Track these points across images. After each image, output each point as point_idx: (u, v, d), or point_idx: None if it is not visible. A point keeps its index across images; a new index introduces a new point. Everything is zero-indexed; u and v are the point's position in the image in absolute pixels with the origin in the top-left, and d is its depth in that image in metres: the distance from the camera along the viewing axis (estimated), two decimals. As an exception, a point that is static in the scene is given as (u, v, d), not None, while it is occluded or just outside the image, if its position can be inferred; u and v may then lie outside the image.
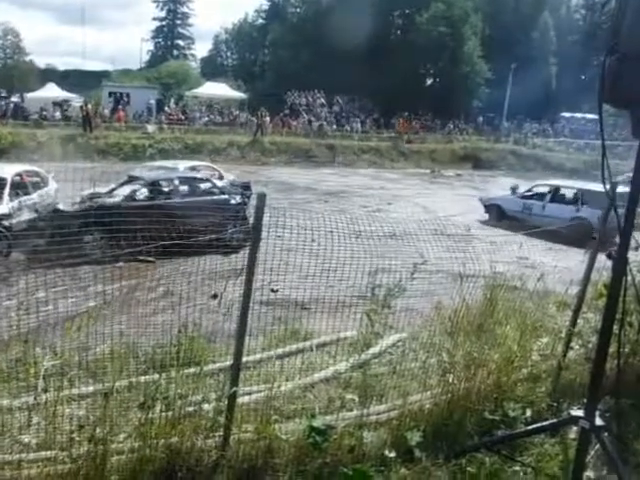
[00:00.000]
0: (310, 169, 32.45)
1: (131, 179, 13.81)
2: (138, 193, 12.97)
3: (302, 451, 4.04)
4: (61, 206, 11.85)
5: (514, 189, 20.62)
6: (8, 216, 11.75)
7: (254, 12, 75.38)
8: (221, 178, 18.27)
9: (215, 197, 13.54)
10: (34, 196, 13.43)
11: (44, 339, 4.21)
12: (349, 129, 43.97)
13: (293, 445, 4.06)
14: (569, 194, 18.11)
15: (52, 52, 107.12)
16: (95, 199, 12.43)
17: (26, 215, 11.86)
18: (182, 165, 18.80)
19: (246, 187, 16.15)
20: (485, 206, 19.60)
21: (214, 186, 14.34)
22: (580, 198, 17.04)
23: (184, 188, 13.85)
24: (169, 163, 19.79)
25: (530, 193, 18.91)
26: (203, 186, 14.15)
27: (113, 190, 13.36)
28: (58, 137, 28.92)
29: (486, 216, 19.13)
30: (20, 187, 13.32)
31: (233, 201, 13.51)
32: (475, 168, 38.76)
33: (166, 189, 13.58)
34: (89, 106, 35.45)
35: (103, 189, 13.25)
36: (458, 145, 42.76)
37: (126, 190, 13.10)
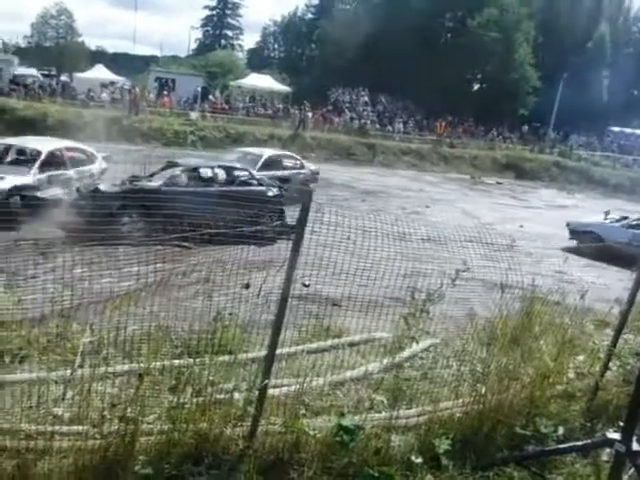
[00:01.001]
0: (349, 167, 32.32)
1: (170, 164, 13.85)
2: (178, 179, 13.03)
3: (329, 448, 4.04)
4: (102, 186, 11.92)
5: (607, 213, 17.97)
6: (33, 188, 11.89)
7: (304, 6, 75.65)
8: (302, 167, 20.28)
9: (252, 188, 13.52)
10: (70, 172, 13.52)
11: (83, 316, 4.27)
12: (391, 129, 43.70)
13: (320, 441, 4.06)
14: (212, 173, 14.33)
15: (103, 34, 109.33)
16: (135, 182, 12.67)
17: (57, 190, 12.09)
18: (268, 152, 19.91)
19: (285, 180, 16.17)
20: (573, 231, 17.02)
21: (252, 177, 14.31)
22: (210, 177, 13.90)
23: (223, 176, 13.85)
24: (255, 150, 20.81)
25: (637, 221, 16.32)
26: (242, 176, 14.14)
27: (153, 174, 13.51)
28: (103, 118, 29.30)
29: (570, 242, 16.60)
30: (57, 162, 13.41)
31: (270, 193, 13.50)
32: (517, 177, 38.17)
33: (205, 176, 13.60)
34: (137, 89, 35.93)
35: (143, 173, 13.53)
36: (500, 153, 42.15)
37: (166, 175, 13.18)
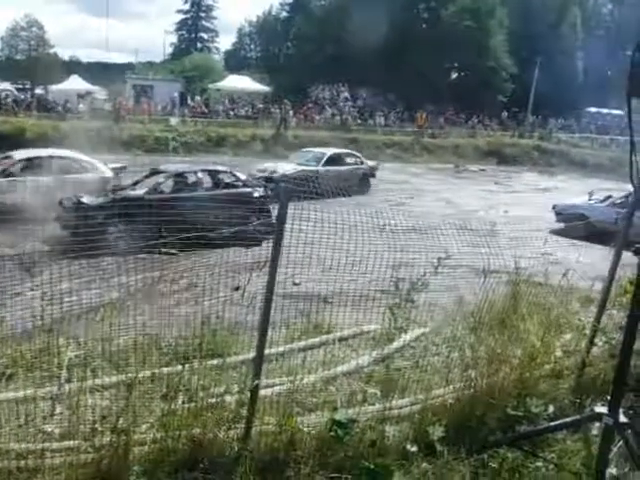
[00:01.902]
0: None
1: (153, 172, 13.88)
2: (162, 185, 13.03)
3: (324, 444, 4.05)
4: (84, 199, 11.88)
5: (591, 194, 18.00)
6: None
7: (278, 5, 75.56)
8: (362, 163, 23.46)
9: (238, 190, 13.53)
10: (47, 179, 13.22)
11: (68, 329, 4.26)
12: (372, 123, 43.79)
13: (315, 438, 4.07)
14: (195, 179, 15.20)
15: (76, 44, 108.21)
16: (118, 191, 12.72)
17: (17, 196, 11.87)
18: (330, 151, 23.29)
19: (269, 180, 16.28)
20: (560, 214, 17.09)
21: (238, 179, 14.36)
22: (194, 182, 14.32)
23: (208, 180, 13.93)
24: (320, 149, 24.07)
25: (621, 200, 16.08)
26: (226, 179, 14.18)
27: (137, 182, 13.56)
28: (82, 129, 29.18)
29: (557, 225, 16.46)
30: (34, 169, 13.57)
31: (256, 194, 13.46)
32: (499, 163, 38.35)
33: (190, 181, 13.65)
34: (120, 98, 35.83)
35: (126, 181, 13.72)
36: (482, 140, 42.32)
37: (150, 182, 13.19)
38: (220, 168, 15.17)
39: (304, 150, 24.25)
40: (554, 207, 17.49)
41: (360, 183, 22.24)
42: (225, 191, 13.10)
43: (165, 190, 12.97)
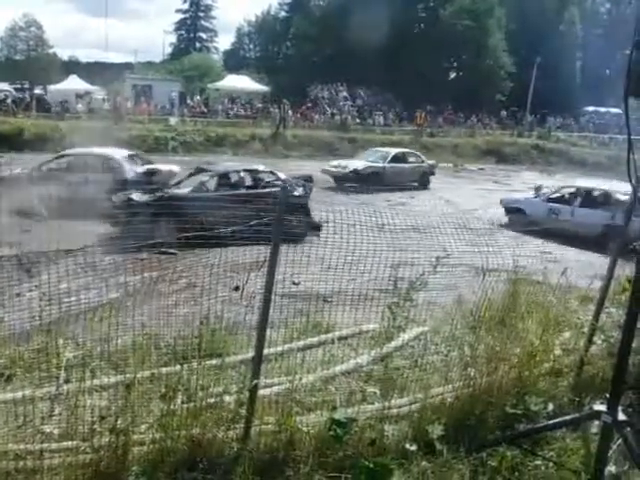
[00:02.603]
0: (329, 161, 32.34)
1: (198, 170, 14.37)
2: (206, 184, 13.49)
3: (323, 443, 4.05)
4: (134, 196, 12.33)
5: (538, 189, 18.69)
6: None
7: (277, 5, 75.32)
8: (423, 162, 25.95)
9: (278, 189, 13.70)
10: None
11: (66, 330, 4.26)
12: (371, 123, 43.78)
13: (314, 437, 4.07)
14: (602, 197, 15.98)
15: (75, 44, 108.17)
16: (165, 190, 13.12)
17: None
18: (394, 151, 25.85)
19: (308, 180, 16.61)
20: (506, 209, 17.59)
21: (278, 178, 14.66)
22: (610, 202, 15.05)
23: (249, 179, 14.46)
24: (385, 149, 26.81)
25: (557, 196, 17.02)
26: (267, 178, 14.61)
27: (180, 181, 14.10)
28: (81, 128, 29.15)
29: (506, 219, 17.08)
30: None
31: (296, 192, 13.71)
32: (498, 162, 38.38)
33: (233, 180, 14.20)
34: (119, 98, 35.79)
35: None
36: (481, 139, 42.34)
37: (194, 181, 13.66)
38: (261, 168, 15.50)
39: (372, 149, 26.94)
40: (501, 201, 18.17)
41: (421, 180, 25.29)
42: (266, 190, 13.28)
43: (209, 189, 13.40)
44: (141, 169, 15.41)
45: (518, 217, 16.54)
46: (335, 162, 25.06)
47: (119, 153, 16.12)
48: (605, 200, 15.62)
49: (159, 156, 24.35)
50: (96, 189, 12.62)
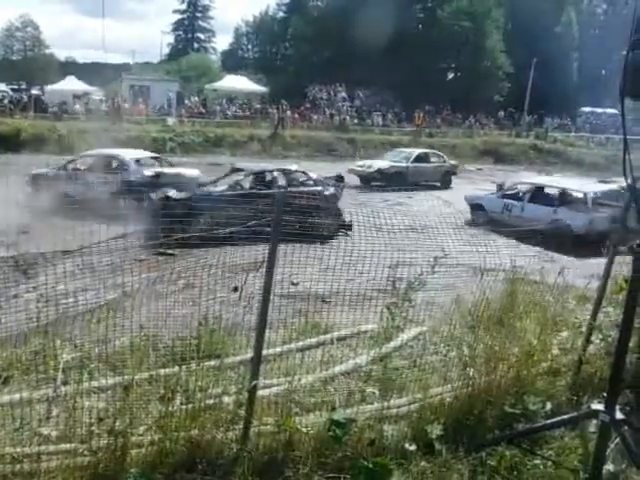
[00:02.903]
0: (331, 163, 32.34)
1: (234, 170, 15.08)
2: (241, 183, 14.15)
3: (322, 444, 4.05)
4: (170, 193, 12.82)
5: (501, 186, 18.89)
6: None
7: (275, 5, 75.35)
8: (445, 162, 27.15)
9: (310, 188, 14.26)
10: None
11: (64, 331, 4.25)
12: (370, 123, 43.82)
13: (313, 438, 4.07)
14: (552, 193, 16.57)
15: (72, 44, 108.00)
16: (201, 187, 13.99)
17: None
18: (417, 151, 27.13)
19: (340, 179, 16.96)
20: (470, 205, 17.80)
21: (309, 178, 15.26)
22: (559, 199, 15.87)
23: (282, 179, 14.89)
24: (408, 149, 28.00)
25: (512, 192, 17.48)
26: (299, 178, 15.23)
27: (217, 180, 14.70)
28: (78, 130, 29.10)
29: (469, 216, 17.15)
30: None
31: (326, 192, 14.31)
32: (496, 163, 38.44)
33: (267, 180, 14.78)
34: (119, 98, 35.78)
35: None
36: (479, 140, 42.44)
37: (230, 180, 14.36)
38: (294, 168, 16.07)
39: (397, 150, 28.15)
40: (465, 198, 18.45)
41: (443, 179, 26.43)
42: (298, 189, 13.59)
43: (243, 187, 13.98)
44: (148, 172, 15.50)
45: (478, 214, 16.96)
46: (361, 162, 26.45)
47: (130, 155, 16.50)
48: (553, 196, 16.16)
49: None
50: (105, 189, 12.88)
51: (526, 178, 20.05)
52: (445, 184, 26.07)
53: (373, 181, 24.37)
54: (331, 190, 14.77)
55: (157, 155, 18.12)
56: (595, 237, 12.08)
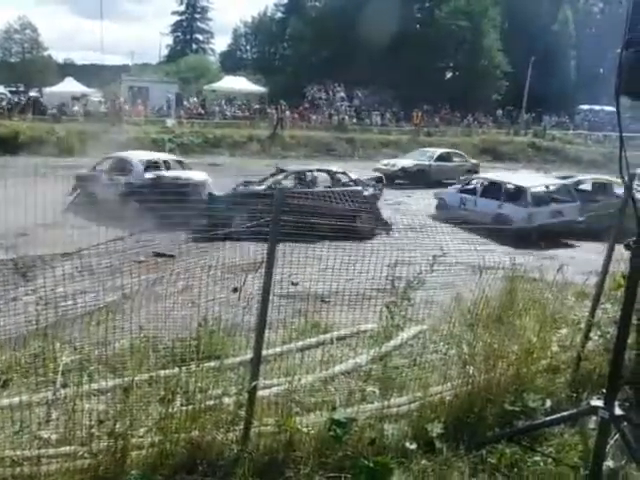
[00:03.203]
0: (330, 162, 32.30)
1: (279, 170, 15.78)
2: (283, 182, 14.60)
3: (323, 443, 4.04)
4: (215, 191, 13.48)
5: (465, 180, 19.95)
6: None
7: (273, 6, 75.23)
8: (466, 161, 27.92)
9: (350, 188, 14.78)
10: None
11: (63, 334, 4.25)
12: (369, 123, 43.85)
13: (314, 438, 4.06)
14: (500, 189, 17.00)
15: (70, 46, 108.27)
16: (247, 186, 14.60)
17: None
18: (439, 150, 28.16)
19: (379, 180, 17.28)
20: (437, 199, 18.71)
21: (350, 179, 15.72)
22: (505, 194, 16.54)
23: (323, 179, 15.56)
24: (431, 148, 29.00)
25: (469, 187, 18.33)
26: (340, 178, 15.72)
27: (264, 179, 15.32)
28: (77, 131, 29.10)
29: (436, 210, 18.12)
30: None
31: (366, 192, 14.85)
32: (495, 161, 38.44)
33: (308, 179, 15.47)
34: (121, 99, 35.77)
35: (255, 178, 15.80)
36: (477, 138, 42.49)
37: (273, 179, 15.04)
38: (334, 168, 16.56)
39: (420, 149, 29.09)
40: (435, 194, 19.42)
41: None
42: (338, 189, 14.00)
43: (287, 186, 14.34)
44: (150, 175, 15.57)
45: (442, 208, 17.84)
46: (385, 161, 27.39)
47: (139, 157, 16.64)
48: (500, 191, 16.71)
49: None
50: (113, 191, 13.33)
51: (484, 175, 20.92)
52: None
53: (397, 179, 24.79)
54: (370, 190, 15.20)
55: (177, 159, 18.21)
56: (537, 229, 13.78)
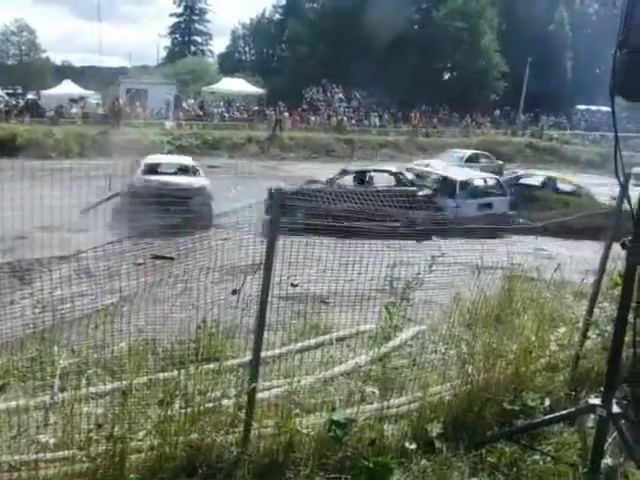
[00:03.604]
0: (329, 164, 32.30)
1: (343, 172, 16.67)
2: (346, 181, 15.68)
3: (323, 445, 4.03)
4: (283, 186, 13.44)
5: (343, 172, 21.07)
6: None
7: (272, 7, 75.34)
8: (493, 162, 29.21)
9: (405, 188, 15.43)
10: None
11: (61, 337, 4.24)
12: (367, 124, 43.91)
13: (314, 439, 4.05)
14: (434, 180, 18.35)
15: (68, 48, 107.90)
16: (310, 184, 15.38)
17: None
18: (469, 152, 29.58)
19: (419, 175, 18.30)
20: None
21: (405, 179, 16.56)
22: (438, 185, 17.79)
23: (379, 179, 16.32)
24: (461, 150, 30.38)
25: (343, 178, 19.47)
26: (395, 178, 16.50)
27: (333, 179, 16.02)
28: (75, 134, 29.10)
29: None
30: None
31: (421, 193, 15.50)
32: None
33: (366, 179, 16.38)
34: (120, 101, 35.74)
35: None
36: (476, 139, 42.49)
37: (337, 179, 15.90)
38: (391, 169, 17.48)
39: (450, 150, 30.58)
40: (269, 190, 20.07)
41: None
42: (395, 189, 14.86)
43: (347, 185, 15.33)
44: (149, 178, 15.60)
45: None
46: (418, 161, 27.45)
47: (145, 160, 16.94)
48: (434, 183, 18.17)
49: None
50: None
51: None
52: None
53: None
54: (425, 191, 15.90)
55: (188, 165, 18.05)
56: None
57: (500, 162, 30.29)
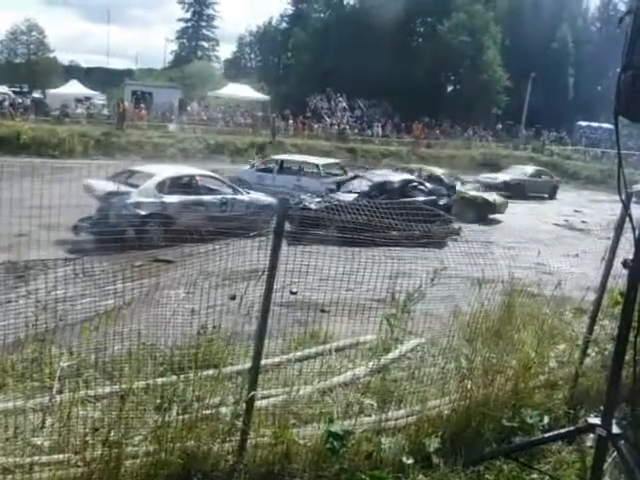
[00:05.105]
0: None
1: (355, 177, 17.36)
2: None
3: (320, 456, 3.99)
4: (306, 203, 13.83)
5: (252, 165, 22.75)
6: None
7: (279, 16, 75.74)
8: (552, 178, 32.43)
9: (425, 197, 15.69)
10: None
11: (60, 339, 4.21)
12: (370, 133, 43.98)
13: (311, 450, 4.01)
14: (294, 166, 21.32)
15: (76, 49, 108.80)
16: (332, 195, 15.43)
17: None
18: (532, 168, 32.52)
19: (452, 189, 17.93)
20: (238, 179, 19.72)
21: (425, 188, 16.91)
22: (300, 170, 20.70)
23: (402, 189, 16.19)
24: (522, 167, 32.79)
25: (263, 167, 21.73)
26: (416, 187, 16.77)
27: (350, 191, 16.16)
28: (79, 133, 29.09)
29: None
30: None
31: (441, 202, 15.84)
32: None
33: (388, 189, 16.07)
34: (126, 103, 35.77)
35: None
36: (477, 151, 42.71)
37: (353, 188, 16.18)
38: (412, 178, 18.12)
39: (514, 166, 33.34)
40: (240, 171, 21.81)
41: (550, 192, 31.55)
42: (414, 198, 14.76)
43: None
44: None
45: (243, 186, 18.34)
46: (485, 174, 30.86)
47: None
48: (295, 169, 21.06)
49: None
50: None
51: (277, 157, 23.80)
52: (551, 196, 31.27)
53: (499, 191, 26.26)
54: (444, 200, 16.38)
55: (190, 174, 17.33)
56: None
57: (557, 178, 33.10)
